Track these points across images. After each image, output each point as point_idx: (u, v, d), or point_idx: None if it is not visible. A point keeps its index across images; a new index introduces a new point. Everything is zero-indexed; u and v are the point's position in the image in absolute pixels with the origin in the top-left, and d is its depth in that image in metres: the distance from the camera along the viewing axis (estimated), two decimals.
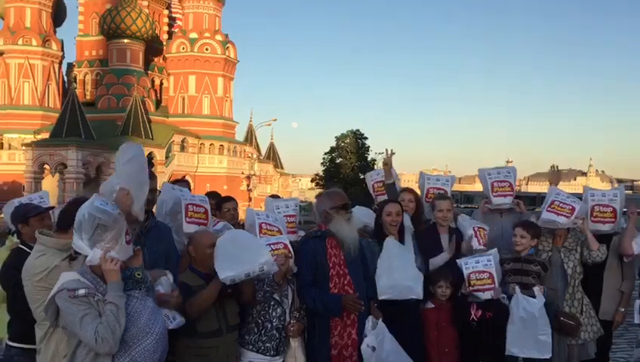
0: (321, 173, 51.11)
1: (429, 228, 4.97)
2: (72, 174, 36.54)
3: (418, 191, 5.50)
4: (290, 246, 4.06)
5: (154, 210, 4.15)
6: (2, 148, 44.56)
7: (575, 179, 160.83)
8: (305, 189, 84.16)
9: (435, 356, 4.48)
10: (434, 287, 4.55)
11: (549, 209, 4.79)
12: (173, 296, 3.31)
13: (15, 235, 4.24)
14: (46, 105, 46.29)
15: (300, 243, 4.24)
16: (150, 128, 42.20)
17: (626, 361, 6.38)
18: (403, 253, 4.41)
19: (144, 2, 47.04)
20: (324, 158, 50.77)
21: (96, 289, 2.79)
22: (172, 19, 52.08)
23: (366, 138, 50.85)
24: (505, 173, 5.30)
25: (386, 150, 5.69)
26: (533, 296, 4.29)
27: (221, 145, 48.22)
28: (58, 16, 49.31)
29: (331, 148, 50.40)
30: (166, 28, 51.38)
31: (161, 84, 49.41)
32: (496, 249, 4.54)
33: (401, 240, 4.51)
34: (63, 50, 48.17)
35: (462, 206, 29.14)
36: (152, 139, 41.86)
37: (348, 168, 47.84)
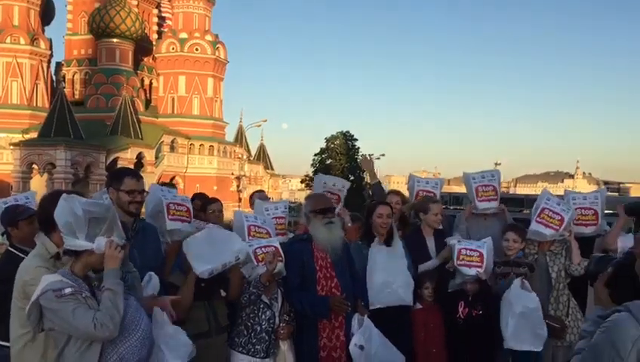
0: (311, 174, 51.08)
1: (415, 231, 5.02)
2: (61, 174, 36.21)
3: (406, 194, 5.55)
4: (281, 250, 4.07)
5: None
6: None
7: (562, 181, 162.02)
8: (295, 190, 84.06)
9: (422, 356, 4.52)
10: (421, 289, 4.60)
11: (538, 219, 4.77)
12: (167, 305, 3.28)
13: (4, 236, 4.21)
14: (34, 104, 45.78)
15: (286, 246, 4.24)
16: (140, 128, 41.91)
17: None
18: (391, 260, 4.45)
19: (133, 1, 46.68)
20: (314, 159, 50.91)
21: (80, 288, 2.76)
22: (162, 19, 51.78)
23: (356, 139, 51.10)
24: (489, 176, 5.31)
25: (367, 155, 5.72)
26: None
27: (211, 146, 47.99)
28: (46, 14, 48.78)
29: (321, 149, 50.52)
30: (155, 27, 51.06)
31: (151, 84, 49.07)
32: (490, 238, 4.59)
33: (389, 242, 4.55)
34: (51, 48, 47.66)
35: (451, 208, 29.18)
36: (142, 139, 41.61)
37: (338, 169, 47.78)
